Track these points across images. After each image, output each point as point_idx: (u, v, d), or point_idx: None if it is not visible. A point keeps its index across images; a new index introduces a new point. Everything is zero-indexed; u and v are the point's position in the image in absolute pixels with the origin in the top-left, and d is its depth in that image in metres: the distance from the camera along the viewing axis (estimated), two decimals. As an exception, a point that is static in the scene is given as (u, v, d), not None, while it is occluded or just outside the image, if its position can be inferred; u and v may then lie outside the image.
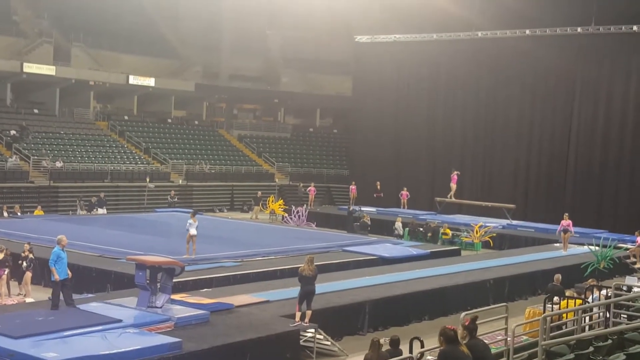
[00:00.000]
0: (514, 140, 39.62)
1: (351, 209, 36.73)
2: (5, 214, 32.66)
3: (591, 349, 10.28)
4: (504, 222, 35.46)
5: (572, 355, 9.86)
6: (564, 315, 13.80)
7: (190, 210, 26.44)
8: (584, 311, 13.21)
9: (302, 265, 15.39)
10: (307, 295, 15.12)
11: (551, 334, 11.02)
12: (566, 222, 28.16)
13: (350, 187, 42.51)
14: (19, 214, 32.66)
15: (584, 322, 12.93)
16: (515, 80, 39.41)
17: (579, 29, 37.05)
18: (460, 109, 41.50)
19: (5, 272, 19.16)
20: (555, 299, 16.39)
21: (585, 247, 27.15)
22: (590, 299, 16.17)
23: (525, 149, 39.27)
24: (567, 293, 17.09)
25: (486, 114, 40.60)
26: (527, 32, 38.48)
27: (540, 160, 38.76)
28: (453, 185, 38.13)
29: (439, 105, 42.28)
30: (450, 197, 38.20)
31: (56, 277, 14.89)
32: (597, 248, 25.14)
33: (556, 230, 29.08)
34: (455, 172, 38.12)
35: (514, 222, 35.68)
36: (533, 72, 38.86)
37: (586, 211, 36.40)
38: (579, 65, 37.70)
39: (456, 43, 41.09)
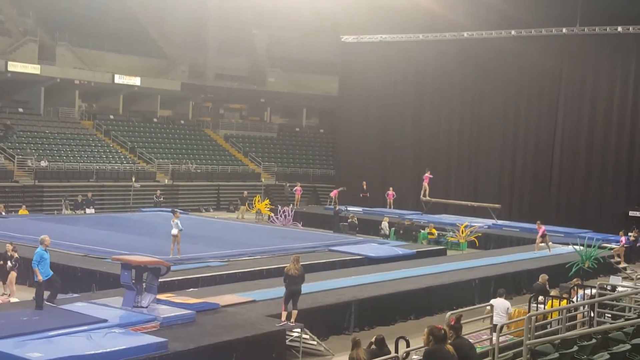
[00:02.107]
0: (499, 140, 39.79)
1: (337, 208, 36.76)
2: (-10, 213, 32.47)
3: (575, 348, 10.34)
4: (490, 222, 35.61)
5: (556, 355, 9.91)
6: (549, 314, 13.87)
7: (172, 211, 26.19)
8: (569, 310, 13.28)
9: (288, 264, 15.40)
10: (292, 295, 15.14)
11: (536, 334, 11.07)
12: (541, 228, 27.82)
13: (295, 188, 42.42)
14: (3, 213, 32.43)
15: (569, 321, 12.99)
16: (500, 80, 39.58)
17: (564, 30, 37.26)
18: (446, 109, 41.64)
19: (-10, 272, 19.06)
20: (540, 298, 16.48)
21: (570, 246, 27.33)
22: (574, 299, 16.27)
23: (510, 148, 39.45)
24: (552, 292, 17.19)
25: (472, 114, 40.76)
26: (513, 32, 38.66)
27: (526, 160, 38.95)
28: (425, 185, 38.28)
29: (425, 105, 42.40)
30: (425, 197, 38.32)
31: (39, 277, 14.86)
32: (581, 248, 25.30)
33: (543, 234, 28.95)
34: (428, 172, 38.27)
35: (500, 222, 35.83)
36: (518, 72, 39.04)
37: (571, 211, 36.66)
38: (564, 65, 37.91)
39: (442, 43, 41.22)
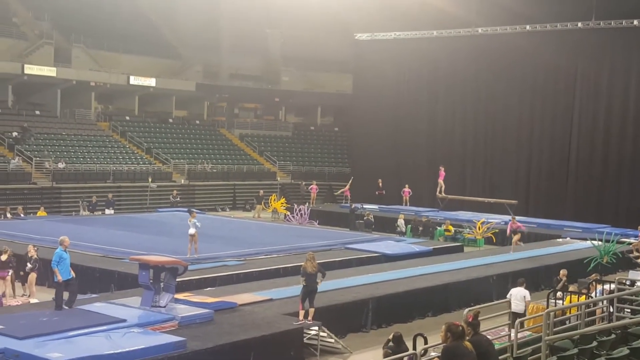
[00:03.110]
0: (515, 135, 39.60)
1: (353, 206, 36.75)
2: (9, 215, 32.73)
3: (595, 343, 10.29)
4: (506, 218, 35.40)
5: (575, 350, 9.87)
6: (568, 310, 13.81)
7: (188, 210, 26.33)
8: (588, 306, 13.22)
9: (304, 263, 15.39)
10: (309, 293, 15.15)
11: (555, 329, 11.03)
12: (515, 224, 27.32)
13: (311, 187, 42.63)
14: (22, 215, 32.73)
15: (588, 317, 12.94)
16: (515, 76, 39.37)
17: (579, 24, 37.03)
18: (461, 105, 41.50)
19: (10, 273, 19.22)
20: (559, 294, 16.43)
21: (588, 242, 27.18)
22: (593, 294, 16.19)
23: (526, 144, 39.25)
24: (571, 288, 17.13)
25: (487, 110, 40.59)
26: (528, 27, 38.48)
27: (542, 155, 38.74)
28: (440, 181, 38.16)
29: (440, 101, 42.28)
30: (441, 194, 38.20)
31: (59, 278, 14.94)
32: (599, 243, 25.13)
33: (510, 232, 29.00)
34: (442, 169, 38.15)
35: (516, 218, 35.59)
36: (533, 67, 38.84)
37: (588, 206, 36.45)
38: (579, 60, 37.66)
39: (456, 40, 41.10)
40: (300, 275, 15.40)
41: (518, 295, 16.17)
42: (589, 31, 36.92)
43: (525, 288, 16.56)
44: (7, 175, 36.95)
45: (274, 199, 39.46)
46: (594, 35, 36.92)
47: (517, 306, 15.85)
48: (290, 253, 24.24)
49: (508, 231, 29.17)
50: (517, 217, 35.46)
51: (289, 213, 37.65)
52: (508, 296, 16.33)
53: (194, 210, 25.30)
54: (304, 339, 15.13)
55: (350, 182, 41.38)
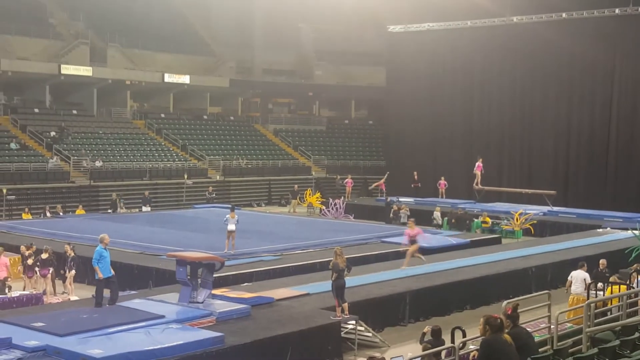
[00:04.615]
0: (552, 125, 39.08)
1: (389, 200, 36.60)
2: (48, 214, 33.22)
3: (637, 334, 10.11)
4: (545, 208, 35.01)
5: (617, 342, 9.71)
6: (609, 301, 13.60)
7: (229, 206, 26.64)
8: (629, 297, 13.00)
9: (334, 259, 15.31)
10: (341, 287, 15.10)
11: (596, 321, 10.87)
12: (413, 230, 21.05)
13: (346, 180, 42.52)
14: (61, 214, 33.19)
15: (629, 307, 12.71)
16: (551, 65, 38.81)
17: (616, 10, 36.39)
18: (497, 96, 41.06)
19: (50, 272, 19.51)
20: (599, 285, 16.22)
21: (629, 231, 26.72)
22: (635, 284, 15.93)
23: (564, 134, 38.72)
24: (612, 279, 16.89)
25: (523, 100, 40.11)
26: (564, 15, 37.91)
27: (580, 145, 38.18)
28: (477, 173, 37.78)
29: (475, 92, 41.88)
30: (477, 185, 37.85)
31: (100, 275, 15.10)
32: (640, 232, 24.71)
33: (412, 240, 20.86)
34: (480, 160, 37.79)
35: (555, 208, 35.19)
36: (570, 56, 38.24)
37: (629, 195, 35.82)
38: (617, 46, 37.03)
39: (490, 30, 40.63)
40: (331, 271, 15.32)
41: (578, 278, 17.16)
42: (626, 17, 36.24)
43: (586, 271, 17.38)
44: (46, 175, 37.48)
45: (309, 194, 39.46)
46: (631, 22, 36.22)
47: (577, 288, 17.04)
48: (326, 247, 24.17)
49: (406, 239, 21.16)
50: (557, 208, 35.07)
51: (324, 207, 37.63)
52: (569, 278, 17.55)
53: (234, 207, 25.61)
54: (342, 333, 15.11)
55: (385, 176, 41.17)
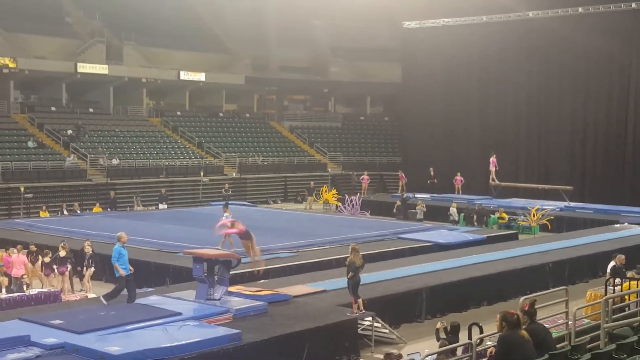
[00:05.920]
0: (569, 121, 38.89)
1: (405, 196, 36.55)
2: (65, 212, 33.46)
3: (656, 330, 10.04)
4: (562, 204, 34.83)
5: (635, 337, 9.64)
6: (627, 296, 13.51)
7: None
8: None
9: (350, 256, 15.18)
10: (356, 284, 15.07)
11: (614, 317, 10.80)
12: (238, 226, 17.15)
13: (362, 177, 42.60)
14: (78, 211, 33.40)
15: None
16: (568, 59, 38.62)
17: (633, 5, 36.13)
18: (512, 91, 40.89)
19: (68, 269, 19.63)
20: (617, 280, 16.08)
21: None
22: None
23: (580, 129, 38.52)
24: (629, 274, 16.77)
25: (538, 95, 39.93)
26: (580, 9, 37.70)
27: (597, 140, 37.98)
28: (492, 169, 37.62)
29: (491, 87, 41.73)
30: (493, 180, 37.69)
31: (121, 272, 15.13)
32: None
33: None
34: (494, 156, 37.62)
35: (572, 204, 35.01)
36: (586, 50, 38.01)
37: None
38: (633, 40, 36.78)
39: (506, 24, 40.47)
40: (347, 268, 15.21)
41: None
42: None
43: (622, 262, 17.74)
44: (64, 173, 37.71)
45: (325, 190, 39.48)
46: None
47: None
48: (342, 244, 24.12)
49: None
50: (573, 203, 34.91)
51: (340, 204, 37.63)
52: (608, 270, 17.87)
53: (228, 203, 25.66)
54: (359, 329, 15.11)
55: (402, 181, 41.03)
